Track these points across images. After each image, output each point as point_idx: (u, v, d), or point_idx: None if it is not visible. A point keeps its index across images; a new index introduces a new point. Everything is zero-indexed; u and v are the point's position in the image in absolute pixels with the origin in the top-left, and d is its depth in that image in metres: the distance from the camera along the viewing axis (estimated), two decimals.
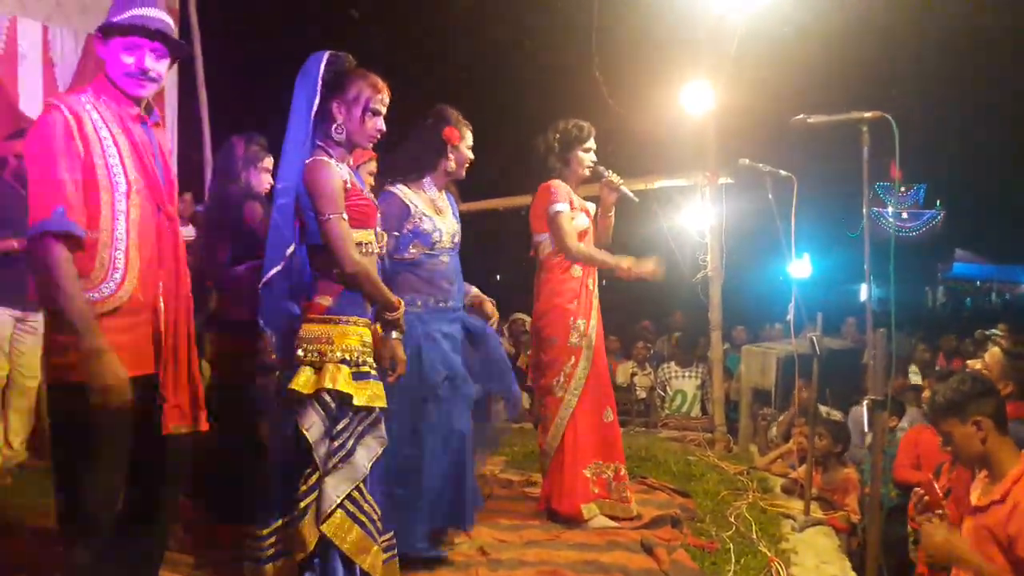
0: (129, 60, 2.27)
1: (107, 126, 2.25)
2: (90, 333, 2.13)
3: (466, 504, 3.29)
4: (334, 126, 2.60)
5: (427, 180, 3.38)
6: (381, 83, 2.64)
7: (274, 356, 2.62)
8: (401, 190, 3.32)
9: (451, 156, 3.37)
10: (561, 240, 3.85)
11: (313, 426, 2.50)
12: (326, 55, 2.59)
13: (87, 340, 2.12)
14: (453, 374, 3.24)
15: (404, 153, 3.39)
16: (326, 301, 2.59)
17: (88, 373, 2.12)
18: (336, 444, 2.50)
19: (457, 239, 3.39)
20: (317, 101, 2.57)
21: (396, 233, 3.24)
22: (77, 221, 2.14)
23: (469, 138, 3.43)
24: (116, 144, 2.25)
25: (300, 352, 2.56)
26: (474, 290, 3.61)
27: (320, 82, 2.56)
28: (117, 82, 2.30)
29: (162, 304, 2.32)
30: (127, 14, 2.27)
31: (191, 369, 2.40)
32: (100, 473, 2.22)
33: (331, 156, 2.59)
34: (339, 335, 2.56)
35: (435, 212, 3.33)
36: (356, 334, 2.60)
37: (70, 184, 2.15)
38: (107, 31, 2.29)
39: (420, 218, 3.27)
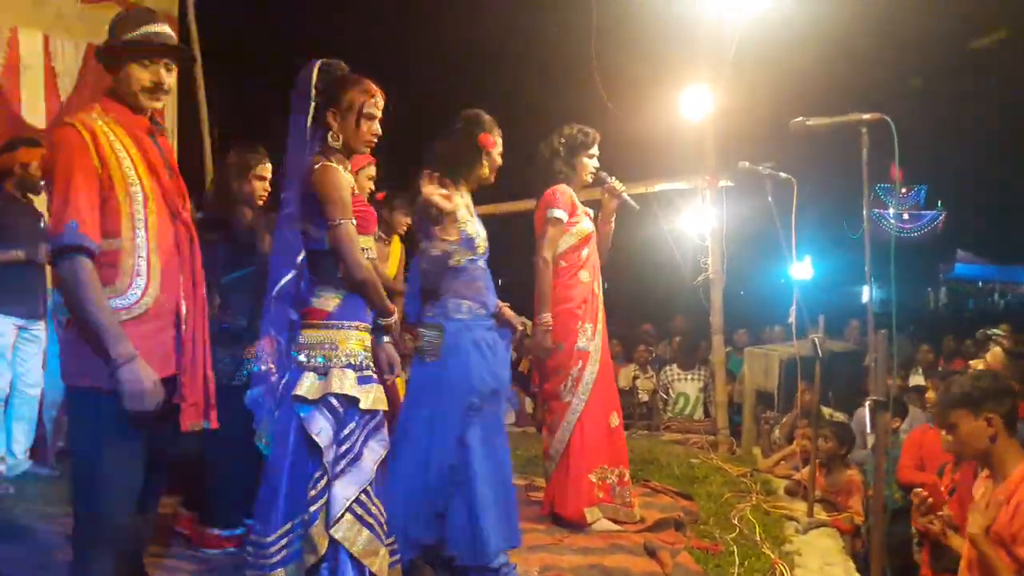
0: (146, 76, 2.33)
1: (119, 139, 2.30)
2: (121, 340, 2.17)
3: (513, 518, 3.20)
4: (331, 133, 2.61)
5: (463, 186, 3.35)
6: (374, 87, 2.64)
7: (273, 364, 2.62)
8: None
9: (485, 162, 3.32)
10: (540, 246, 3.86)
11: (322, 431, 2.50)
12: (318, 64, 2.60)
13: (118, 347, 2.16)
14: (498, 387, 3.20)
15: (439, 158, 3.32)
16: (328, 306, 2.59)
17: (120, 380, 2.15)
18: (344, 448, 2.51)
19: (487, 244, 3.36)
20: (312, 110, 2.58)
21: None
22: (89, 234, 2.18)
23: (500, 143, 3.38)
24: (130, 156, 2.30)
25: (302, 358, 2.56)
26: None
27: (314, 91, 2.57)
28: (131, 97, 2.35)
29: (184, 307, 2.35)
30: (140, 31, 2.33)
31: (206, 369, 2.44)
32: (120, 476, 2.25)
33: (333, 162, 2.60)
34: (342, 340, 2.57)
35: (472, 217, 3.31)
36: (357, 339, 2.61)
37: (84, 199, 2.19)
38: (120, 48, 2.32)
39: (464, 223, 3.23)
